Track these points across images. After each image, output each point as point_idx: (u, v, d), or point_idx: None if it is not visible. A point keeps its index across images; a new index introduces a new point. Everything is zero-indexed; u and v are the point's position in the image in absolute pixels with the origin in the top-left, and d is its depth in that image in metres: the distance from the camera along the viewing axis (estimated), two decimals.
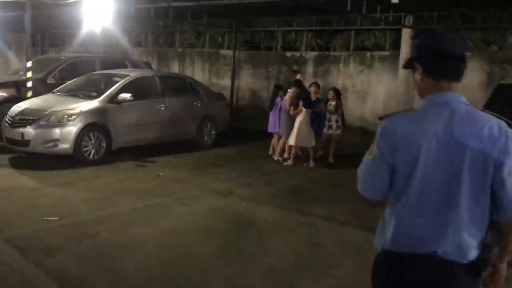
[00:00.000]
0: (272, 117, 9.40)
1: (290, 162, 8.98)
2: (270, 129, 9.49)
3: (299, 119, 8.83)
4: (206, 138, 10.38)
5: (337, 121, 9.23)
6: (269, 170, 8.54)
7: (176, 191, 6.84)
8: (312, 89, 9.46)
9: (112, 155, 8.56)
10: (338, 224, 5.73)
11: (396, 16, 11.16)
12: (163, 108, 9.41)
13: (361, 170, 2.14)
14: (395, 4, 8.06)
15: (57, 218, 5.43)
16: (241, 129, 12.60)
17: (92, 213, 5.70)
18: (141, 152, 8.98)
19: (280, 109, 9.25)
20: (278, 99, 9.45)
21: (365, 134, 12.23)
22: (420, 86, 2.10)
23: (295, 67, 12.91)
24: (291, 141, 8.85)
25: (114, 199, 6.32)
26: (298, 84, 9.34)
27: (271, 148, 9.62)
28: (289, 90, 9.15)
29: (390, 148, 1.99)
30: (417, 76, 2.10)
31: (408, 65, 2.14)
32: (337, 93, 9.42)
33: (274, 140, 9.55)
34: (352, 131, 12.34)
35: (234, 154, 9.81)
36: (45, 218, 5.42)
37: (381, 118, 2.09)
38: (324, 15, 12.60)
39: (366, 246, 5.02)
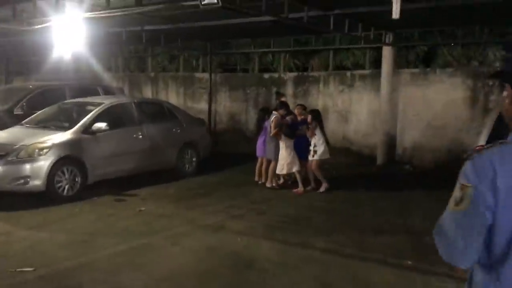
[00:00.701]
0: (260, 141, 8.98)
1: (300, 189, 8.46)
2: (258, 153, 9.05)
3: (282, 146, 8.49)
4: (187, 166, 9.85)
5: (315, 146, 8.51)
6: (258, 197, 8.07)
7: (162, 228, 6.28)
8: (296, 111, 9.06)
9: (88, 190, 7.93)
10: (344, 257, 5.29)
11: (376, 34, 11.00)
12: (140, 136, 8.86)
13: (444, 229, 1.65)
14: (391, 20, 7.70)
15: (32, 269, 4.80)
16: (220, 154, 12.06)
17: (71, 260, 5.08)
18: (119, 185, 8.38)
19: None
20: (266, 122, 9.05)
21: (348, 155, 11.95)
22: (510, 110, 1.69)
23: (275, 89, 12.62)
24: (279, 171, 8.49)
25: (94, 241, 5.72)
26: (286, 106, 8.95)
27: (257, 174, 9.16)
28: (274, 112, 8.76)
29: (493, 195, 1.52)
30: (505, 97, 1.69)
31: (495, 76, 1.72)
32: (314, 116, 8.61)
33: (259, 165, 9.11)
34: (335, 152, 12.02)
35: (218, 182, 9.30)
36: (18, 270, 4.78)
37: (468, 156, 1.63)
38: (302, 35, 12.36)
39: (382, 284, 4.60)
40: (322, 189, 8.45)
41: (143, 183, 8.74)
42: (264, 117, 9.11)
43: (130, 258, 5.15)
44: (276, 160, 8.66)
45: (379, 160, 11.40)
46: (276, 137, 8.57)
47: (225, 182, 9.27)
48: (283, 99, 9.81)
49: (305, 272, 4.86)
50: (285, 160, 8.44)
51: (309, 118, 8.62)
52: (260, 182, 9.01)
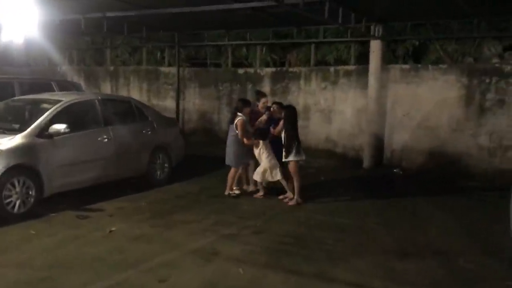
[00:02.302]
0: None
1: (260, 193, 7.65)
2: None
3: (262, 151, 7.47)
4: (158, 173, 8.63)
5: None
6: (247, 211, 6.99)
7: (142, 256, 5.08)
8: (273, 110, 7.95)
9: (44, 204, 6.61)
10: None
11: (362, 27, 10.12)
12: (106, 140, 7.56)
13: None
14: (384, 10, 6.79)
15: None
16: (191, 157, 10.85)
17: None
18: (81, 197, 7.12)
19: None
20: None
21: (332, 157, 11.08)
22: None
23: (250, 86, 11.58)
24: (256, 176, 7.53)
25: (58, 278, 4.46)
26: (247, 104, 7.80)
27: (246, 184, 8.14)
28: (239, 114, 7.59)
29: None
30: None
31: None
32: (286, 113, 7.46)
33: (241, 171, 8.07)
34: (317, 155, 11.13)
35: (197, 192, 8.15)
36: None
37: None
38: (284, 26, 11.32)
39: None
40: (292, 202, 7.33)
41: (109, 194, 7.50)
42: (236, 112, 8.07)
43: None
44: (237, 167, 7.73)
45: (366, 163, 10.57)
46: (253, 145, 7.55)
47: (204, 192, 8.13)
48: (263, 100, 8.48)
49: None
50: (265, 166, 7.41)
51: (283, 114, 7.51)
52: (249, 190, 7.97)
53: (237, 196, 7.73)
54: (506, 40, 9.71)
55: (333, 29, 11.09)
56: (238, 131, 7.50)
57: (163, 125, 9.00)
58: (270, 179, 7.52)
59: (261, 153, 7.47)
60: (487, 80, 9.46)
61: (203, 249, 5.33)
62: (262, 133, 7.53)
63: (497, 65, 9.48)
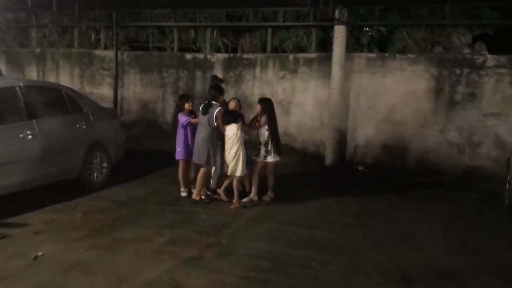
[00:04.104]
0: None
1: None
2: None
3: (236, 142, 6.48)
4: (95, 175, 7.29)
5: (266, 144, 6.73)
6: (206, 222, 5.87)
7: None
8: (231, 105, 6.95)
9: None
10: None
11: (329, 10, 9.19)
12: (30, 136, 6.13)
13: None
14: None
15: None
16: (132, 153, 9.47)
17: None
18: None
19: (187, 126, 6.81)
20: (184, 117, 6.89)
21: (291, 153, 10.12)
22: None
23: (198, 74, 10.37)
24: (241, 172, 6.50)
25: None
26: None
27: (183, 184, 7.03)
28: (214, 103, 6.57)
29: None
30: None
31: None
32: (265, 106, 6.78)
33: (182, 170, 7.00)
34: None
35: (143, 197, 6.91)
36: None
37: None
38: (239, 6, 10.15)
39: None
40: (267, 198, 6.80)
41: (35, 203, 6.16)
42: (182, 107, 6.98)
43: None
44: (209, 165, 6.58)
45: (328, 160, 9.72)
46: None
47: (152, 197, 6.92)
48: (222, 85, 7.44)
49: None
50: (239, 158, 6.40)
51: (258, 108, 6.77)
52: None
53: (210, 201, 6.65)
54: (476, 29, 9.14)
55: (292, 13, 10.11)
56: (219, 124, 6.42)
57: (101, 117, 7.64)
58: (235, 173, 6.42)
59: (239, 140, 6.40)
60: (458, 72, 8.85)
61: (160, 280, 4.17)
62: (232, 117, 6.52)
63: (468, 55, 8.89)
